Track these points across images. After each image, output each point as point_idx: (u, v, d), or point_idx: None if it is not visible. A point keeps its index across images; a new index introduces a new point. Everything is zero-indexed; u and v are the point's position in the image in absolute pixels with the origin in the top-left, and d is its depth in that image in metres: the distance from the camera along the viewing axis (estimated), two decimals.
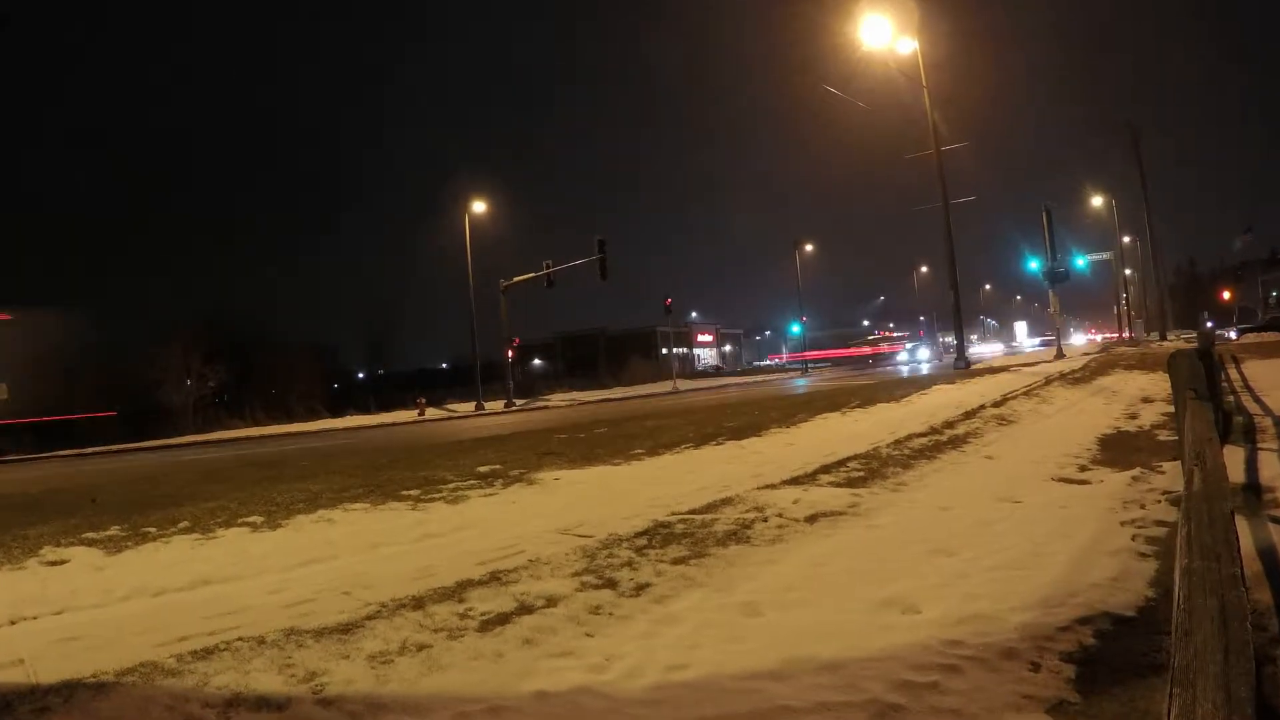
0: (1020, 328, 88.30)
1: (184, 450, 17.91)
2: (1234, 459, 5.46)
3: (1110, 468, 6.57)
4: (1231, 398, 9.45)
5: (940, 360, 44.88)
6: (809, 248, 53.95)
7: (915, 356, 54.42)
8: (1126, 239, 46.40)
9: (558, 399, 32.21)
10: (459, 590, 3.83)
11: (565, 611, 3.51)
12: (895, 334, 67.54)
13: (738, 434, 9.35)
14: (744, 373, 60.41)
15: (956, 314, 25.19)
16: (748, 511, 5.29)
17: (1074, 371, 16.37)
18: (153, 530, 5.40)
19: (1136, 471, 6.22)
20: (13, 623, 3.67)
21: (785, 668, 2.78)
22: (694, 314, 79.90)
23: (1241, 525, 3.49)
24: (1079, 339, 69.67)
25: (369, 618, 3.47)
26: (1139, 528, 4.48)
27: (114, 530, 5.46)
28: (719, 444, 8.74)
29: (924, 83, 22.72)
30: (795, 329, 59.01)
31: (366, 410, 34.75)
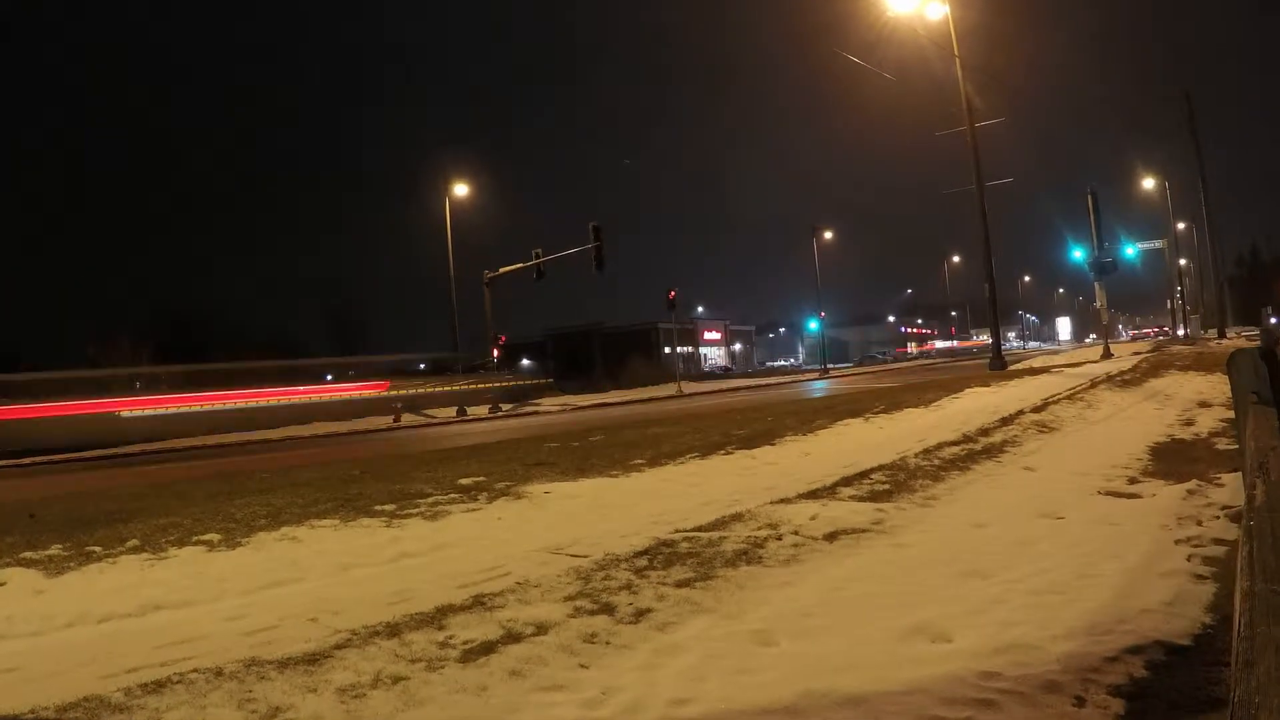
0: (1063, 324, 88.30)
1: (132, 459, 17.93)
2: None
3: (1163, 480, 6.58)
4: None
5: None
6: (828, 235, 53.97)
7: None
8: (1181, 225, 46.48)
9: (549, 403, 32.22)
10: (439, 616, 3.84)
11: (557, 640, 3.52)
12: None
13: (749, 442, 9.36)
14: (756, 374, 60.42)
15: (993, 307, 25.25)
16: (760, 529, 5.30)
17: (1123, 373, 16.39)
18: (98, 550, 5.41)
19: (1192, 484, 6.23)
20: None
21: (801, 702, 2.79)
22: (700, 309, 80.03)
23: None
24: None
25: (339, 647, 3.48)
26: (1195, 547, 4.49)
27: (55, 549, 5.46)
28: (728, 454, 8.76)
29: (956, 51, 22.75)
30: (813, 325, 58.96)
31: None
